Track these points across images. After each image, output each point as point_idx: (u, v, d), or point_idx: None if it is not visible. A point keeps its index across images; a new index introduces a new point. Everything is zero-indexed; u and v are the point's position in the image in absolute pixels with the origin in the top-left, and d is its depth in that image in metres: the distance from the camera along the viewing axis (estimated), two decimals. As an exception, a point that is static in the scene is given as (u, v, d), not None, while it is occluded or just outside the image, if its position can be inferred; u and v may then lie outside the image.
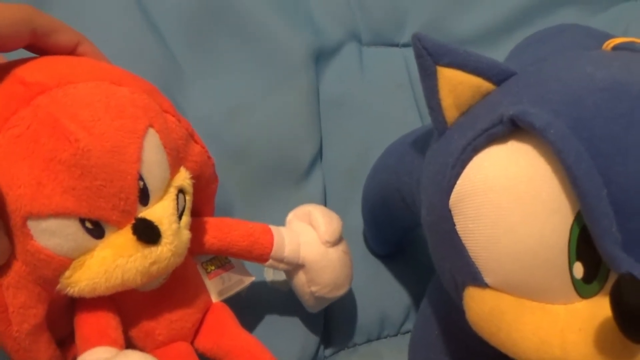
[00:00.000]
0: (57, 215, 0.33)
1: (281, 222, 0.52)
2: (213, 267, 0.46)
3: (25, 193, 0.32)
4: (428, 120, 0.62)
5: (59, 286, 0.35)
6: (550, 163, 0.29)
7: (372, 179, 0.52)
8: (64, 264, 0.34)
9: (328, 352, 0.52)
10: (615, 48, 0.35)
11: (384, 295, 0.54)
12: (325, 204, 0.59)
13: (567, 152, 0.28)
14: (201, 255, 0.45)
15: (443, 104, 0.35)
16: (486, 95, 0.34)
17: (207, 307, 0.44)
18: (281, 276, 0.50)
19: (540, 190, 0.29)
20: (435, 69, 0.34)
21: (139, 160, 0.35)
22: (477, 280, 0.32)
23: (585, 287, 0.30)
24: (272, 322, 0.51)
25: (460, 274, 0.33)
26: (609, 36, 0.39)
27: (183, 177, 0.39)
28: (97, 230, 0.35)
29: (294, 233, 0.46)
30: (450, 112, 0.35)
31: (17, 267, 0.34)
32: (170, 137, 0.38)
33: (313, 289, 0.46)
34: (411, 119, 0.64)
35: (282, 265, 0.46)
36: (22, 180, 0.32)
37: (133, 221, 0.35)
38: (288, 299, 0.50)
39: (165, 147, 0.37)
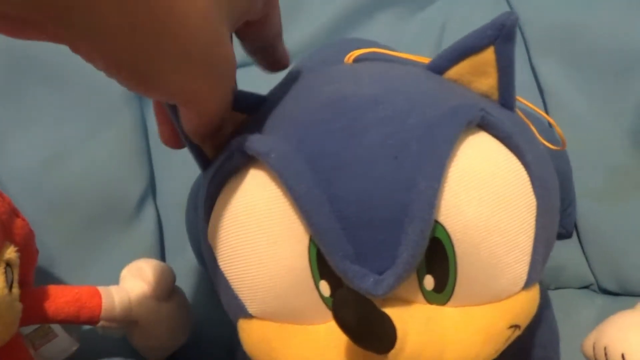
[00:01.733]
0: None
1: (116, 268, 0.51)
2: (37, 339, 0.45)
3: None
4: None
5: None
6: (281, 188, 0.29)
7: (186, 212, 0.51)
8: None
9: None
10: (356, 60, 0.36)
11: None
12: (162, 239, 0.58)
13: (286, 174, 0.28)
14: (25, 327, 0.45)
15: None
16: (242, 125, 0.34)
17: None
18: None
19: (275, 216, 0.29)
20: None
21: None
22: (244, 311, 0.32)
23: (335, 303, 0.30)
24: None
25: (231, 307, 0.33)
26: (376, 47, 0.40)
27: (10, 251, 0.40)
28: None
29: (125, 291, 0.47)
30: (208, 148, 0.34)
31: None
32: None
33: (149, 343, 0.47)
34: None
35: (114, 325, 0.46)
36: None
37: None
38: (125, 348, 0.49)
39: None
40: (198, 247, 0.52)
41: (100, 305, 0.45)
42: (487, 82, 0.33)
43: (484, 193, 0.29)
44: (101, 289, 0.46)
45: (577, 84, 0.59)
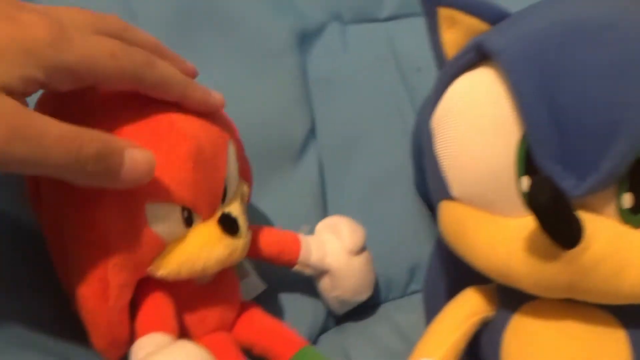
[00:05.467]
0: (170, 201, 0.38)
1: (282, 205, 0.56)
2: (238, 272, 0.49)
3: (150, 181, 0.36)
4: (414, 92, 0.64)
5: (150, 268, 0.38)
6: (504, 86, 0.32)
7: (413, 135, 0.58)
8: (162, 247, 0.38)
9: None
10: None
11: (386, 259, 0.57)
12: (322, 180, 0.60)
13: (514, 72, 0.31)
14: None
15: (442, 40, 0.38)
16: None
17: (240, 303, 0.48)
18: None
19: (490, 111, 0.32)
20: (436, 10, 0.38)
21: (226, 163, 0.41)
22: (447, 193, 0.36)
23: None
24: (284, 300, 0.54)
25: (437, 188, 0.37)
26: None
27: (244, 186, 0.46)
28: (189, 220, 0.39)
29: (321, 242, 0.50)
30: (449, 48, 0.38)
31: (124, 249, 0.36)
32: (239, 152, 0.45)
33: (336, 293, 0.51)
34: (397, 90, 0.65)
35: (308, 270, 0.50)
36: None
37: (216, 215, 0.41)
38: (295, 280, 0.53)
39: (237, 159, 0.44)
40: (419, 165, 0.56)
41: (299, 251, 0.49)
42: None
43: None
44: (301, 236, 0.50)
45: None
